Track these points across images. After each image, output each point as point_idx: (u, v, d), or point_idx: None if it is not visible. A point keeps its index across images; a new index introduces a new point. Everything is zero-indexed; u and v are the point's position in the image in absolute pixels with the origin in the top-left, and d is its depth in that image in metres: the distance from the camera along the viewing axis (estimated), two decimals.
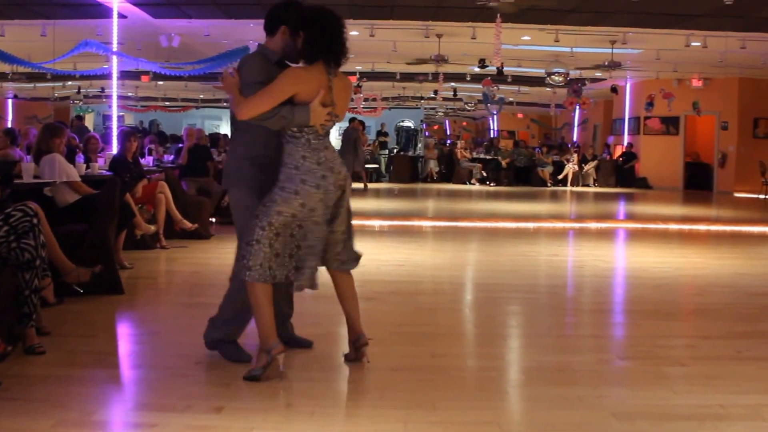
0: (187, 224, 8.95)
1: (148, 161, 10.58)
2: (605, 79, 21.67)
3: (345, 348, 4.52)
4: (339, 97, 4.08)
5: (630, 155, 23.40)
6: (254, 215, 4.00)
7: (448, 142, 32.49)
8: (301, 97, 3.94)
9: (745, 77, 20.95)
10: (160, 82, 24.18)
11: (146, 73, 18.85)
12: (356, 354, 4.31)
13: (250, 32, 14.95)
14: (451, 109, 36.73)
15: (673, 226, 12.53)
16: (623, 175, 23.24)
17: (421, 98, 28.77)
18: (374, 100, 28.10)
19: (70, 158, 7.54)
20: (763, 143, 21.50)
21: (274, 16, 4.21)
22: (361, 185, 18.70)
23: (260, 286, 3.99)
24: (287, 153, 4.01)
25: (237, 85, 4.00)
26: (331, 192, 4.03)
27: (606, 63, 16.78)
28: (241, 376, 3.99)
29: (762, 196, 19.55)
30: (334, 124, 4.15)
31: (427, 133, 34.75)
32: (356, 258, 4.42)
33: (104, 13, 12.35)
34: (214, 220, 10.84)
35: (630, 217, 14.48)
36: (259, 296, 4.00)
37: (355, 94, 22.68)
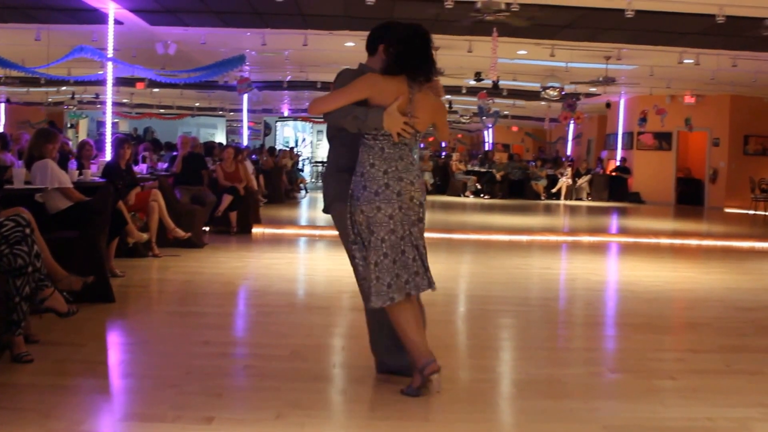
0: (180, 233, 8.92)
1: (141, 169, 10.56)
2: (599, 94, 21.77)
3: (337, 359, 4.50)
4: (421, 111, 4.05)
5: (623, 170, 23.47)
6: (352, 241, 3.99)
7: (443, 154, 32.53)
8: (376, 101, 3.96)
9: (736, 95, 21.07)
10: (156, 90, 24.15)
11: (141, 80, 18.84)
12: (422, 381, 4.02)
13: (246, 41, 14.98)
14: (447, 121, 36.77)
15: (665, 241, 12.56)
16: (616, 189, 23.31)
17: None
18: None
19: (63, 164, 7.51)
20: (754, 160, 21.63)
21: (374, 36, 4.29)
22: None
23: (396, 307, 3.97)
24: (359, 160, 4.01)
25: None
26: (394, 202, 3.94)
27: (600, 78, 16.87)
28: (232, 385, 3.97)
29: (752, 212, 19.63)
30: (414, 138, 4.07)
31: (422, 145, 34.77)
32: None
33: (100, 19, 12.35)
34: (207, 229, 10.82)
35: (622, 231, 14.51)
36: (398, 317, 3.99)
37: None
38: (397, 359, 4.24)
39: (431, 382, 4.02)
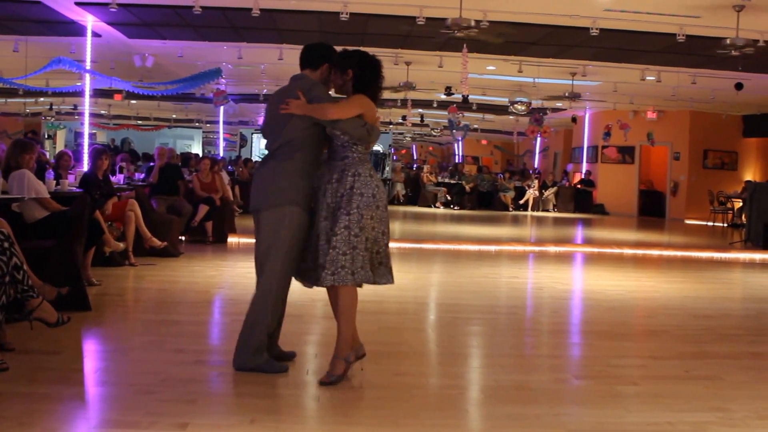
0: (157, 242, 8.86)
1: (119, 179, 10.48)
2: (565, 109, 22.00)
3: (310, 366, 4.48)
4: (377, 125, 4.60)
5: (588, 183, 23.69)
6: (338, 226, 4.27)
7: (415, 166, 32.62)
8: (367, 119, 4.45)
9: (696, 110, 21.38)
10: (133, 101, 23.99)
11: (119, 91, 18.70)
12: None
13: (223, 54, 14.94)
14: (418, 134, 36.94)
15: (628, 251, 12.68)
16: (581, 201, 23.51)
17: (390, 123, 28.90)
18: None
19: (40, 174, 7.43)
20: (713, 173, 21.94)
21: (319, 54, 4.66)
22: None
23: (353, 291, 4.34)
24: (360, 164, 4.41)
25: (305, 104, 4.41)
26: (385, 200, 4.51)
27: (566, 94, 17.02)
28: (207, 392, 3.94)
29: (711, 223, 19.89)
30: None
31: (395, 157, 34.87)
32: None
33: (78, 31, 12.25)
34: (183, 238, 10.75)
35: (587, 241, 14.63)
36: (353, 301, 4.36)
37: None
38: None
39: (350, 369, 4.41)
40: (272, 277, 4.48)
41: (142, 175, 11.98)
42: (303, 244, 4.49)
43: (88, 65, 12.09)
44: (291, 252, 4.46)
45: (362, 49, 4.73)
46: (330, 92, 4.69)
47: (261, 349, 4.46)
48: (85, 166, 10.78)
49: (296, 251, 4.48)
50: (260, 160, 4.71)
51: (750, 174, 21.84)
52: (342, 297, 4.33)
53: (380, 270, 4.43)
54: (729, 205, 19.94)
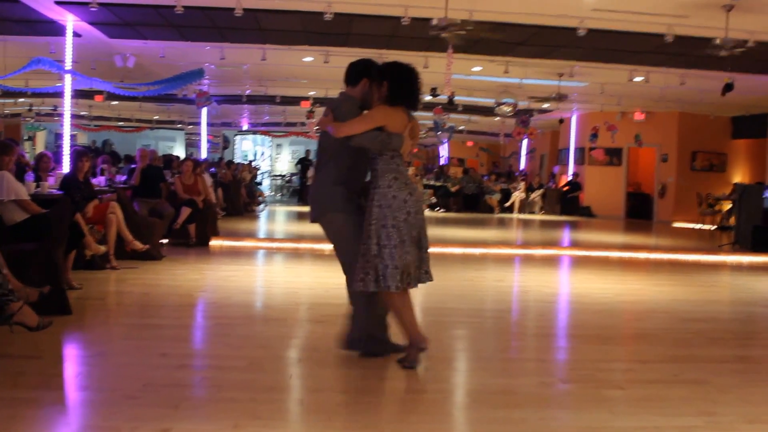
0: (138, 245, 8.83)
1: (100, 181, 10.44)
2: (552, 111, 22.07)
3: (294, 370, 4.48)
4: (413, 135, 4.95)
5: (575, 185, 23.79)
6: (363, 236, 4.71)
7: None
8: (390, 128, 4.75)
9: (684, 112, 21.52)
10: (114, 102, 23.88)
11: (100, 92, 18.63)
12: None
13: (205, 54, 14.91)
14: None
15: (615, 254, 12.76)
16: (568, 203, 23.61)
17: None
18: None
19: (20, 176, 7.40)
20: (701, 175, 22.09)
21: (357, 71, 5.04)
22: None
23: (391, 296, 4.71)
24: (379, 175, 4.76)
25: (331, 121, 4.80)
26: (412, 208, 4.77)
27: (553, 95, 17.10)
28: (190, 397, 3.94)
29: (698, 226, 20.04)
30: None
31: None
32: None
33: (58, 30, 12.19)
34: (165, 241, 10.72)
35: (574, 244, 14.69)
36: (396, 302, 4.76)
37: (307, 119, 22.74)
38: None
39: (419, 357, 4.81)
40: (348, 281, 4.95)
41: (124, 177, 11.96)
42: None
43: (68, 65, 12.04)
44: (349, 250, 4.88)
45: (397, 59, 4.98)
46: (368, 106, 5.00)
47: (362, 338, 4.97)
48: (66, 168, 10.74)
49: (353, 248, 4.82)
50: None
51: (739, 176, 22.02)
52: (389, 299, 4.78)
53: (413, 272, 4.85)
54: (717, 208, 20.09)
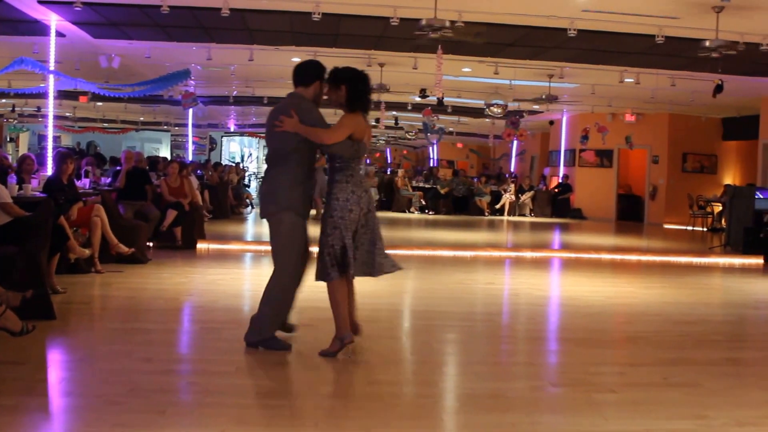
0: (123, 248, 8.81)
1: (84, 183, 10.39)
2: (542, 112, 22.12)
3: (281, 374, 4.48)
4: (369, 138, 5.32)
5: (566, 187, 23.85)
6: (325, 228, 5.01)
7: (389, 170, 32.66)
8: (355, 136, 5.09)
9: (675, 113, 21.62)
10: (99, 103, 23.79)
11: (84, 93, 18.55)
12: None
13: (192, 55, 14.87)
14: (392, 137, 37.00)
15: (606, 256, 12.81)
16: (558, 205, 23.68)
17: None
18: None
19: (2, 179, 7.37)
20: (692, 177, 22.19)
21: (310, 73, 5.30)
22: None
23: (339, 284, 5.02)
24: (343, 175, 5.06)
25: (298, 123, 5.03)
26: (364, 207, 5.10)
27: (543, 96, 17.14)
28: (176, 402, 3.93)
29: (690, 228, 20.13)
30: None
31: (368, 161, 34.92)
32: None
33: (41, 30, 12.13)
34: (151, 244, 10.69)
35: (564, 246, 14.74)
36: (335, 294, 5.04)
37: None
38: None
39: (347, 350, 5.12)
40: (277, 275, 5.19)
41: (109, 180, 11.90)
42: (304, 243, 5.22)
43: (51, 66, 11.97)
44: (291, 252, 5.16)
45: (340, 58, 5.33)
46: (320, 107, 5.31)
47: (266, 332, 5.20)
48: (49, 171, 10.69)
49: (297, 250, 5.17)
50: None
51: (730, 178, 22.12)
52: (331, 289, 5.07)
53: (363, 264, 5.20)
54: (708, 209, 20.19)
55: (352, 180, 5.09)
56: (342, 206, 5.01)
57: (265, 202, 5.27)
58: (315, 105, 5.27)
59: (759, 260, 12.85)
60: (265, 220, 5.27)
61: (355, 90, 5.15)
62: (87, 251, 8.05)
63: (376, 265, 5.21)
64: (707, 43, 10.23)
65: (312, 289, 5.41)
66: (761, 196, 14.24)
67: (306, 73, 5.32)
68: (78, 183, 9.64)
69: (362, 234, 5.14)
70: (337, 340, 5.09)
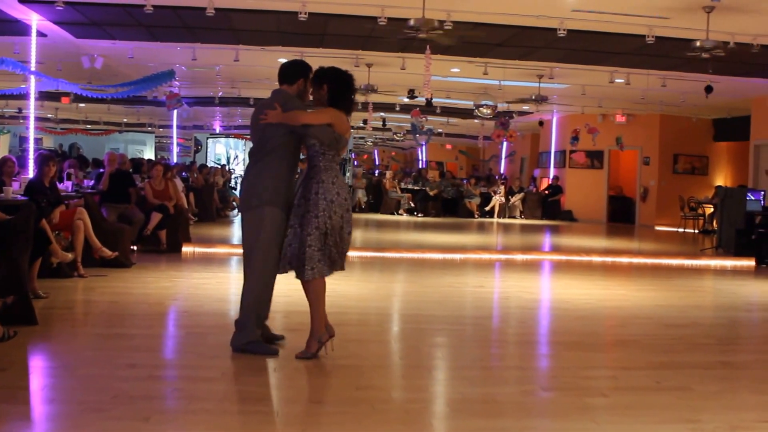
0: (107, 252, 8.77)
1: (66, 186, 10.35)
2: (532, 113, 22.20)
3: (268, 380, 4.47)
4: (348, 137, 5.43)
5: (556, 188, 23.93)
6: (309, 227, 5.05)
7: (377, 172, 32.67)
8: (336, 129, 5.17)
9: (666, 114, 21.73)
10: (82, 104, 23.70)
11: (66, 94, 18.47)
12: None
13: (176, 55, 14.84)
14: (380, 138, 37.03)
15: (597, 259, 12.85)
16: (549, 207, 23.74)
17: (351, 127, 28.94)
18: None
19: None
20: (683, 178, 22.31)
21: (295, 71, 5.44)
22: None
23: (319, 282, 5.12)
24: (324, 171, 5.14)
25: (281, 113, 5.14)
26: (346, 204, 5.19)
27: (533, 97, 17.19)
28: (161, 409, 3.91)
29: (681, 230, 20.23)
30: None
31: (356, 163, 34.92)
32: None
33: (22, 30, 12.08)
34: (135, 248, 10.65)
35: (555, 249, 14.78)
36: (319, 292, 5.14)
37: None
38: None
39: (324, 348, 5.18)
40: (257, 271, 5.25)
41: (92, 182, 11.85)
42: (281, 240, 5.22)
43: (33, 66, 11.92)
44: (272, 248, 5.21)
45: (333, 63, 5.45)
46: (305, 105, 5.41)
47: (249, 335, 5.24)
48: (31, 173, 10.63)
49: (277, 246, 5.21)
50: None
51: (721, 179, 22.25)
52: (315, 286, 5.13)
53: (339, 261, 5.25)
54: (700, 211, 20.30)
55: (337, 181, 5.17)
56: (326, 207, 5.07)
57: (247, 195, 5.33)
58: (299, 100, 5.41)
59: (751, 262, 12.93)
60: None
61: (336, 90, 5.29)
62: (70, 255, 8.00)
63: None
64: (698, 44, 10.29)
65: (300, 293, 5.39)
66: (753, 198, 14.33)
67: (291, 71, 5.47)
68: (60, 186, 9.60)
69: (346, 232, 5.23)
70: (315, 341, 5.14)
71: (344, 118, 5.29)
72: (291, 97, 5.32)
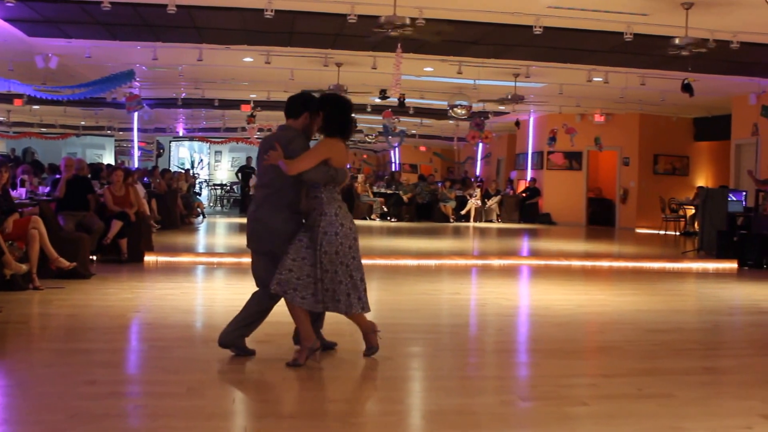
0: (64, 263, 8.68)
1: (20, 193, 10.24)
2: (508, 113, 22.31)
3: (236, 394, 4.45)
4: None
5: (533, 191, 24.07)
6: (314, 261, 5.24)
7: (348, 175, 32.61)
8: (333, 162, 5.31)
9: (645, 113, 21.95)
10: (36, 107, 23.46)
11: (19, 96, 18.27)
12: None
13: (136, 55, 14.75)
14: (351, 141, 36.97)
15: (576, 263, 12.94)
16: (527, 210, 23.87)
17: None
18: (269, 131, 28.03)
19: None
20: (663, 179, 22.54)
21: (299, 105, 5.56)
22: None
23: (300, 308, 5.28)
24: (327, 204, 5.32)
25: (281, 156, 5.23)
26: (351, 236, 5.37)
27: (509, 96, 17.27)
28: (123, 427, 3.88)
29: (662, 232, 20.43)
30: None
31: None
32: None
33: None
34: (94, 258, 10.56)
35: (533, 253, 14.86)
36: (300, 313, 5.29)
37: (248, 123, 22.65)
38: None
39: (314, 357, 5.33)
40: (264, 302, 5.50)
41: (47, 189, 11.74)
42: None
43: None
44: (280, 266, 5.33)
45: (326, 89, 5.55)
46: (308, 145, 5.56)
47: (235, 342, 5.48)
48: None
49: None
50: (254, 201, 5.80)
51: (702, 179, 22.51)
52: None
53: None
54: (681, 213, 20.52)
55: (340, 212, 5.36)
56: (331, 240, 5.25)
57: (262, 239, 5.49)
58: (305, 136, 5.53)
59: (733, 265, 13.09)
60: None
61: (330, 115, 5.42)
62: (24, 266, 7.92)
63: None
64: (677, 41, 10.41)
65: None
66: (734, 199, 14.52)
67: (294, 105, 5.59)
68: (13, 193, 9.50)
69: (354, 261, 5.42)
70: (305, 349, 5.26)
71: (340, 147, 5.41)
72: (294, 137, 5.43)
